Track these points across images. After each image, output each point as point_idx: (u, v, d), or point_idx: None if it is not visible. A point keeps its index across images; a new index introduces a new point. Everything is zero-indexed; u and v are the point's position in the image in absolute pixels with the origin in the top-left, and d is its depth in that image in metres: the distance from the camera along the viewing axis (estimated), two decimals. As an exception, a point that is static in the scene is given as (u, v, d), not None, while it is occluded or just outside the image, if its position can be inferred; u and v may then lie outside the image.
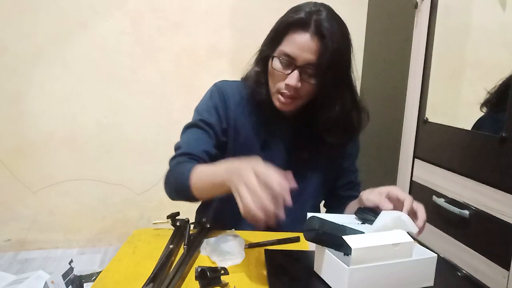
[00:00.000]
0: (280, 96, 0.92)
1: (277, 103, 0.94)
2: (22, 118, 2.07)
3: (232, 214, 1.01)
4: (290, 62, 0.88)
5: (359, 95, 1.00)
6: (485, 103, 1.21)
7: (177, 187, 0.88)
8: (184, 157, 0.91)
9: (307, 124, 0.99)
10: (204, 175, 0.81)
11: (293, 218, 1.01)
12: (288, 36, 0.89)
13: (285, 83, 0.89)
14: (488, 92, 1.19)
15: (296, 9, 0.91)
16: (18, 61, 2.02)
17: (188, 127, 0.97)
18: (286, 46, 0.89)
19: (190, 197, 0.85)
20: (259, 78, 0.97)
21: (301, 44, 0.87)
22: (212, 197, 0.92)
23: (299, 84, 0.88)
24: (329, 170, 1.05)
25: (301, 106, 0.95)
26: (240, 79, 1.03)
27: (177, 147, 0.95)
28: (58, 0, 2.00)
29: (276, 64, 0.90)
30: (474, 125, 1.24)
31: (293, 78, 0.88)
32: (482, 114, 1.23)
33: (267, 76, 0.96)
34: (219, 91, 1.00)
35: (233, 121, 0.98)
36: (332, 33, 0.86)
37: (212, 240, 0.81)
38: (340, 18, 0.93)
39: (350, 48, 0.93)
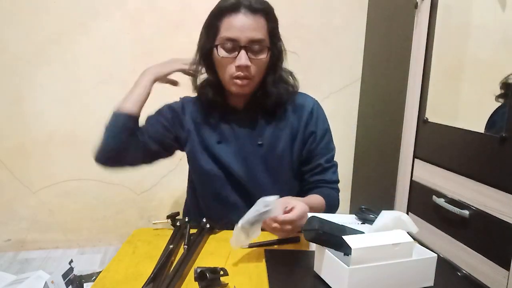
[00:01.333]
0: (235, 80, 0.95)
1: (233, 88, 0.97)
2: (22, 118, 2.07)
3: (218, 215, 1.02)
4: (234, 45, 0.92)
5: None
6: (500, 95, 1.19)
7: (111, 123, 1.06)
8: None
9: (261, 109, 1.02)
10: (130, 93, 1.07)
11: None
12: (224, 23, 0.93)
13: (236, 65, 0.92)
14: (501, 83, 1.17)
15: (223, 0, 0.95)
16: (18, 61, 2.02)
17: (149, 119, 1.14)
18: (225, 32, 0.92)
19: (126, 123, 1.03)
20: (204, 80, 1.04)
21: (239, 24, 0.91)
22: (145, 99, 1.07)
23: (249, 62, 0.92)
24: (293, 154, 1.04)
25: (255, 85, 0.99)
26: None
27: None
28: (58, 0, 2.00)
29: (221, 51, 0.94)
30: (490, 116, 1.21)
31: (241, 58, 0.91)
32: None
33: (212, 74, 1.00)
34: (179, 104, 1.11)
35: (187, 127, 1.05)
36: (262, 5, 0.92)
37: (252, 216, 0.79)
38: None
39: (275, 15, 0.99)
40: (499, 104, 1.18)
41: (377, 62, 2.13)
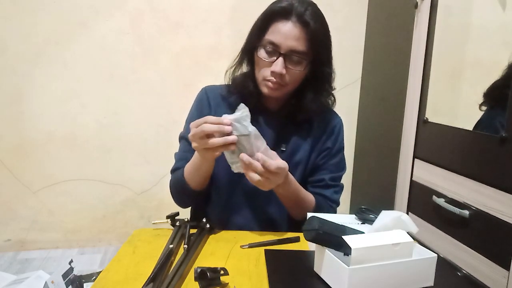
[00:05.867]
0: (267, 82, 0.95)
1: (265, 90, 0.97)
2: (22, 118, 2.07)
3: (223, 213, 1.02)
4: (274, 50, 0.92)
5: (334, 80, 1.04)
6: (483, 103, 1.21)
7: (179, 189, 1.01)
8: (177, 171, 1.05)
9: (291, 116, 1.02)
10: (189, 167, 0.97)
11: (281, 212, 1.02)
12: (272, 26, 0.92)
13: (271, 70, 0.92)
14: (484, 92, 1.19)
15: (278, 1, 0.95)
16: (19, 61, 2.02)
17: (180, 138, 1.09)
18: (270, 35, 0.92)
19: (191, 191, 0.98)
20: (246, 73, 1.02)
21: (285, 32, 0.90)
22: (205, 179, 0.99)
23: (284, 71, 0.92)
24: (308, 165, 1.05)
25: (287, 94, 0.99)
26: (226, 82, 1.06)
27: (175, 158, 1.08)
28: (58, 0, 2.00)
29: (261, 53, 0.94)
30: (475, 125, 1.24)
31: (277, 65, 0.91)
32: (481, 113, 1.23)
33: (253, 69, 0.99)
34: (201, 96, 1.08)
35: None
36: (313, 20, 0.91)
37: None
38: (317, 6, 0.97)
39: (329, 35, 0.98)
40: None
41: (377, 62, 2.13)
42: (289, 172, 0.91)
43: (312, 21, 0.91)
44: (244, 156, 0.80)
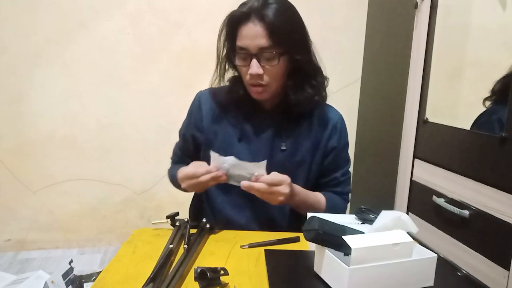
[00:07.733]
0: (251, 87, 0.96)
1: (252, 94, 0.98)
2: (22, 118, 2.07)
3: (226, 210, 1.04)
4: (246, 54, 0.93)
5: (318, 61, 1.04)
6: (488, 98, 1.20)
7: (174, 183, 1.09)
8: (173, 166, 1.13)
9: (287, 113, 1.02)
10: (183, 178, 0.97)
11: (281, 212, 1.02)
12: (238, 31, 0.94)
13: (248, 73, 0.93)
14: (491, 89, 1.18)
15: (240, 5, 0.96)
16: (19, 61, 2.02)
17: (179, 134, 1.15)
18: (239, 40, 0.94)
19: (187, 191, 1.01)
20: (235, 77, 1.04)
21: (248, 33, 0.92)
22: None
23: (261, 71, 0.92)
24: (312, 165, 1.05)
25: (275, 92, 0.99)
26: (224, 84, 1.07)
27: (174, 149, 1.18)
28: (58, 0, 2.00)
29: (237, 60, 0.96)
30: (475, 120, 1.23)
31: (253, 67, 0.92)
32: (483, 111, 1.22)
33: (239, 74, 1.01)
34: (194, 103, 1.10)
35: (206, 125, 1.06)
36: (270, 12, 0.91)
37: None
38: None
39: (294, 22, 0.97)
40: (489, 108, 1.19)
41: (377, 62, 2.13)
42: (293, 184, 0.92)
43: (269, 14, 0.90)
44: (244, 183, 0.87)
